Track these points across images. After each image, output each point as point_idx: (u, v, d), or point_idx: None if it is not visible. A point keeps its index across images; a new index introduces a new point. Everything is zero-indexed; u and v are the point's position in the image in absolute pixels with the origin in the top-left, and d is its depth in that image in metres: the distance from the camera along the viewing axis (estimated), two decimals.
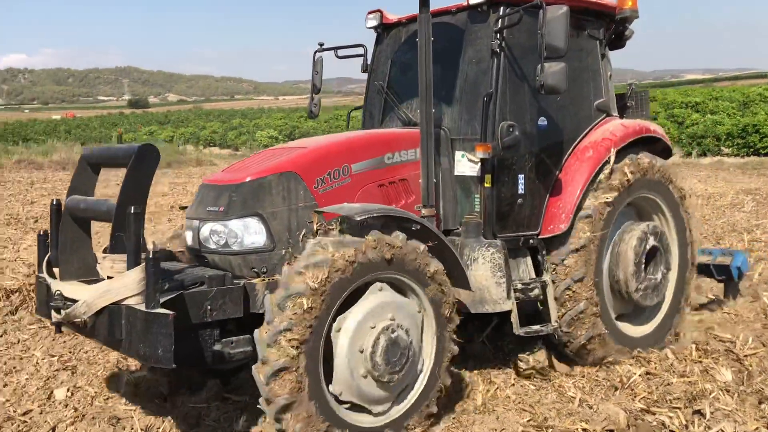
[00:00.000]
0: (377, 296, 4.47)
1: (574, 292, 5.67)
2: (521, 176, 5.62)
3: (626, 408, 4.96)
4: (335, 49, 6.70)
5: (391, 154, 5.39)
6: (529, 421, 4.83)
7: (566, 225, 5.66)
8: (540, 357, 5.96)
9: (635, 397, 5.24)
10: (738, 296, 7.66)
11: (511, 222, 5.63)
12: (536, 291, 5.66)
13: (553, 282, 5.75)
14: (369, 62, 6.67)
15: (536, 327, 5.59)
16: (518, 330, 5.43)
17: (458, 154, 5.67)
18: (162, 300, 3.96)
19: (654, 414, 4.95)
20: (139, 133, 58.67)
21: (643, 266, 6.05)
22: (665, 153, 6.58)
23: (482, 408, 5.17)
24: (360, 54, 6.74)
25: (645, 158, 6.11)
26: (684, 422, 4.81)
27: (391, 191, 5.39)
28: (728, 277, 7.46)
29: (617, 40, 6.59)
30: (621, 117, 6.71)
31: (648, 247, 6.07)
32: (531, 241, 5.74)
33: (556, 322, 5.68)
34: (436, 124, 5.69)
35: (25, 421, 4.98)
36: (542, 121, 5.75)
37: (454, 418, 4.99)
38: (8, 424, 4.94)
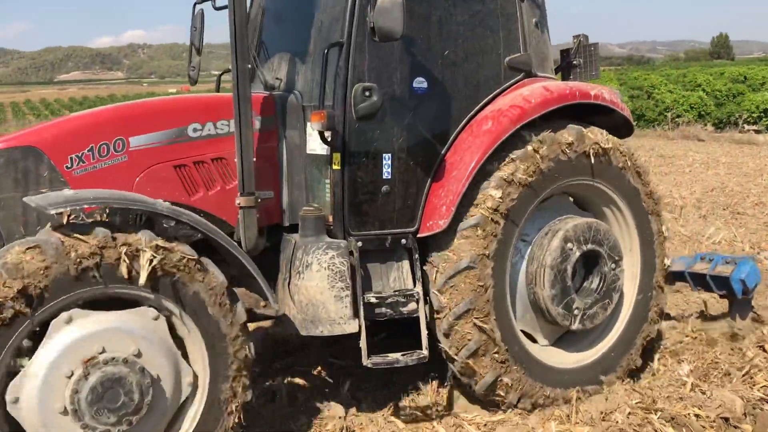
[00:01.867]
0: (62, 336, 3.23)
1: (463, 323, 4.27)
2: (387, 156, 4.24)
3: (744, 396, 4.44)
4: None
5: (199, 125, 4.16)
6: (637, 403, 4.38)
7: (446, 221, 4.23)
8: (434, 397, 4.69)
9: (754, 385, 4.73)
10: (748, 316, 5.85)
11: (372, 216, 4.27)
12: (411, 305, 4.28)
13: (428, 300, 4.38)
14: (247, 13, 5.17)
15: (392, 357, 4.18)
16: (367, 360, 4.07)
17: (309, 126, 4.31)
18: None
19: None
20: None
21: (568, 279, 4.55)
22: (626, 128, 5.05)
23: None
24: None
25: (574, 132, 4.53)
26: None
27: (195, 174, 4.17)
28: (729, 292, 5.71)
29: None
30: (567, 78, 5.31)
31: (580, 252, 4.56)
32: (404, 241, 4.34)
33: (427, 349, 4.25)
34: (288, 87, 4.50)
35: None
36: (420, 83, 4.32)
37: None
38: None
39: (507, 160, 4.36)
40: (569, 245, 4.51)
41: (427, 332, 4.28)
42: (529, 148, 4.38)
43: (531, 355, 4.57)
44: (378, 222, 4.30)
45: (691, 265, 5.96)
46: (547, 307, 4.54)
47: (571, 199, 5.04)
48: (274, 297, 3.93)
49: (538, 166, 4.38)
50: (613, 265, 4.73)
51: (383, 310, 4.25)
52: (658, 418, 4.20)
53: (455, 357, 4.35)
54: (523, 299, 4.68)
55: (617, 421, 4.15)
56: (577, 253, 4.55)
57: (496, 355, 4.35)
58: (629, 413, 4.26)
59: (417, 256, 4.36)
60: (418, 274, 4.34)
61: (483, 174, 4.33)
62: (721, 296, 5.88)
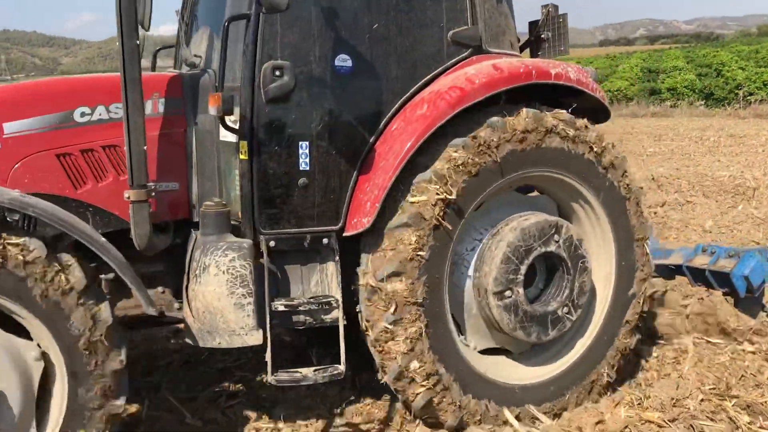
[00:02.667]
0: None
1: (391, 337, 3.77)
2: (305, 144, 3.73)
3: None
4: None
5: (89, 108, 3.73)
6: (711, 389, 4.25)
7: (370, 219, 3.73)
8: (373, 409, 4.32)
9: None
10: (757, 316, 5.17)
11: (287, 212, 3.78)
12: (332, 313, 3.80)
13: (355, 308, 3.90)
14: None
15: (302, 372, 3.71)
16: (271, 377, 3.64)
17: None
18: None
19: None
20: None
21: (537, 311, 4.04)
22: (602, 111, 4.42)
23: (661, 372, 4.73)
24: None
25: (528, 115, 3.91)
26: None
27: (83, 164, 3.74)
28: (731, 289, 5.04)
29: None
30: (536, 55, 4.71)
31: (533, 255, 4.00)
32: (326, 240, 3.84)
33: (345, 364, 3.76)
34: (206, 65, 4.05)
35: None
36: (343, 61, 3.78)
37: (632, 380, 4.64)
38: None
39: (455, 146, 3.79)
40: (507, 294, 3.97)
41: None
42: (480, 132, 3.81)
43: (475, 372, 4.02)
44: (295, 219, 3.80)
45: (690, 257, 5.31)
46: (493, 314, 4.01)
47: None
48: (150, 300, 3.44)
49: (487, 151, 3.82)
50: (556, 237, 4.06)
51: (300, 318, 3.79)
52: (733, 405, 4.03)
53: (385, 374, 3.89)
54: (469, 309, 4.15)
55: (689, 408, 3.99)
56: (521, 290, 4.00)
57: (425, 373, 3.83)
58: (702, 399, 4.11)
59: (337, 257, 3.85)
60: (340, 278, 3.84)
61: (416, 165, 3.79)
62: (724, 294, 5.16)
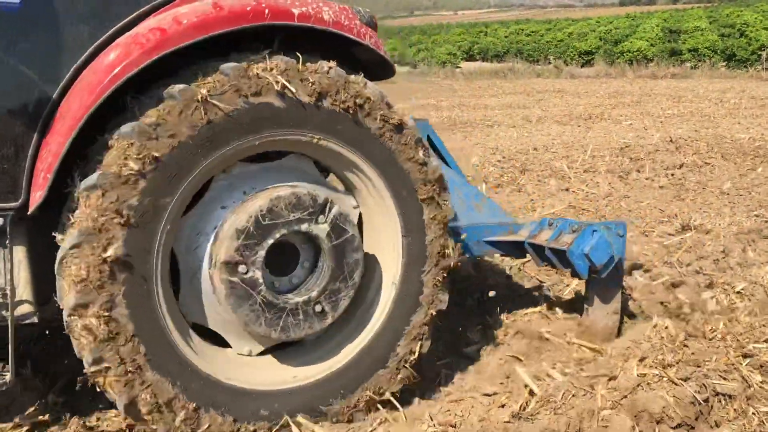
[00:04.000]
0: None
1: (81, 328, 2.90)
2: None
3: None
4: None
5: None
6: (727, 347, 4.09)
7: (42, 193, 2.92)
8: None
9: None
10: (613, 303, 4.40)
11: None
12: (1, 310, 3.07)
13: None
14: None
15: None
16: None
17: None
18: None
19: None
20: None
21: (258, 273, 3.12)
22: (384, 68, 3.80)
23: (672, 329, 4.39)
24: None
25: (275, 65, 3.07)
26: None
27: None
28: (573, 270, 4.21)
29: None
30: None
31: (272, 240, 3.12)
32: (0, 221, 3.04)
33: (9, 372, 3.00)
34: None
35: None
36: None
37: (644, 337, 4.35)
38: None
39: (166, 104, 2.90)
40: (256, 227, 3.09)
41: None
42: (192, 88, 2.94)
43: (201, 373, 3.13)
44: None
45: (534, 233, 4.39)
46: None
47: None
48: None
49: (192, 113, 2.95)
50: (350, 253, 3.32)
51: None
52: (747, 365, 3.89)
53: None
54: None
55: (703, 366, 3.89)
56: (272, 239, 3.14)
57: (129, 375, 2.98)
58: (716, 358, 3.98)
59: (8, 240, 3.04)
60: (23, 266, 3.11)
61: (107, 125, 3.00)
62: (572, 275, 4.47)
